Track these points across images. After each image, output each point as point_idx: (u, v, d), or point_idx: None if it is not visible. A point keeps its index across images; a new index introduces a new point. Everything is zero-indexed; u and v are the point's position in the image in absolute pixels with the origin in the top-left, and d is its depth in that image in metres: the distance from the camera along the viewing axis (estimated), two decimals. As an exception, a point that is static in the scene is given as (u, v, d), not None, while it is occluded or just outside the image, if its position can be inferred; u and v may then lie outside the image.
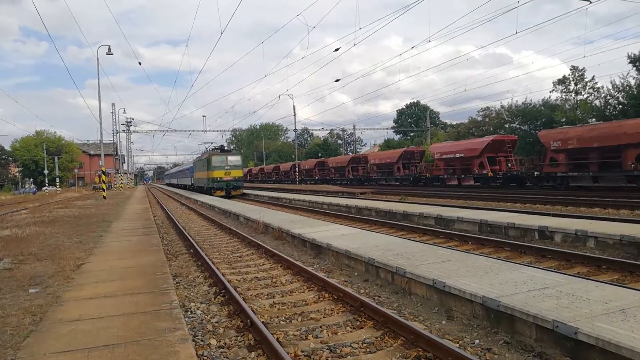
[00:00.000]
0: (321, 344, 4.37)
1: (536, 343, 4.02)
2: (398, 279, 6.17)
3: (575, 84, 46.63)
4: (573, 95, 47.11)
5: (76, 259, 7.97)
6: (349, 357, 4.11)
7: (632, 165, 19.63)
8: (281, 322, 5.10)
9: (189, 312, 5.46)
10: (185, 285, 6.93)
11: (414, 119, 78.62)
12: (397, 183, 38.74)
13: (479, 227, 10.96)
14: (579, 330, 3.61)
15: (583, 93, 46.38)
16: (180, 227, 13.96)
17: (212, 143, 43.62)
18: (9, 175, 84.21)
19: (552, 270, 6.10)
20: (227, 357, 4.21)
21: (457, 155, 30.91)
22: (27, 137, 70.77)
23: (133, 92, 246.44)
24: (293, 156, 65.09)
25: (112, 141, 59.28)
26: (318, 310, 5.45)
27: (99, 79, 30.40)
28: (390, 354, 4.11)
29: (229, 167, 30.58)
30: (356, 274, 7.21)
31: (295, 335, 4.65)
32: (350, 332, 4.73)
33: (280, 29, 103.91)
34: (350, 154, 74.06)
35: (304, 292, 6.37)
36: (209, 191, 31.74)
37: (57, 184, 60.13)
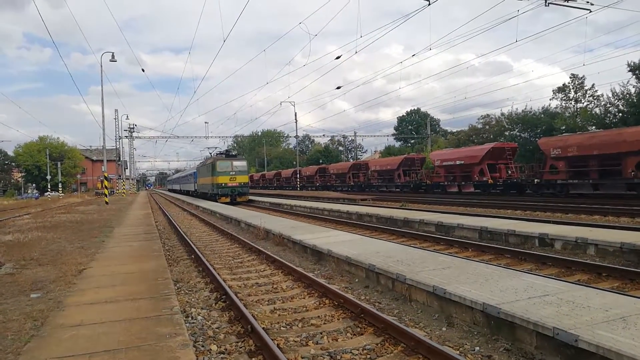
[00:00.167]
0: (322, 350, 4.38)
1: (537, 350, 4.03)
2: (398, 286, 6.18)
3: (575, 92, 46.75)
4: (573, 103, 47.23)
5: (78, 264, 7.98)
6: (349, 363, 4.11)
7: (632, 173, 19.63)
8: (282, 328, 5.11)
9: (190, 318, 5.47)
10: (187, 291, 6.94)
11: (415, 126, 78.78)
12: (397, 190, 38.75)
13: (480, 234, 10.97)
14: (579, 338, 3.62)
15: (583, 101, 46.50)
16: (182, 232, 13.98)
17: (216, 148, 42.71)
18: (12, 181, 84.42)
19: (553, 277, 6.11)
20: (227, 363, 4.21)
21: (458, 162, 30.95)
22: (30, 142, 70.95)
23: (136, 99, 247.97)
24: (294, 162, 65.12)
25: (114, 147, 59.46)
26: (319, 317, 5.46)
27: (102, 86, 30.74)
28: (391, 361, 4.11)
29: (234, 173, 29.88)
30: (357, 280, 7.21)
31: (295, 341, 4.65)
32: (351, 338, 4.74)
33: (282, 36, 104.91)
34: (351, 160, 74.14)
35: (304, 298, 6.38)
36: (213, 197, 31.10)
37: (60, 189, 60.15)
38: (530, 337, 4.09)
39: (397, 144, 76.92)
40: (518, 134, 48.55)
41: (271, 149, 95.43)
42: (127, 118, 78.32)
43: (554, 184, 23.77)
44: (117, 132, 55.78)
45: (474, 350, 4.27)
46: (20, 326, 4.67)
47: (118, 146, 58.80)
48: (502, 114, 52.24)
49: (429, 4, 15.06)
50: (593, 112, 42.82)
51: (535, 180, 25.34)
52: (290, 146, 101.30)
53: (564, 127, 40.47)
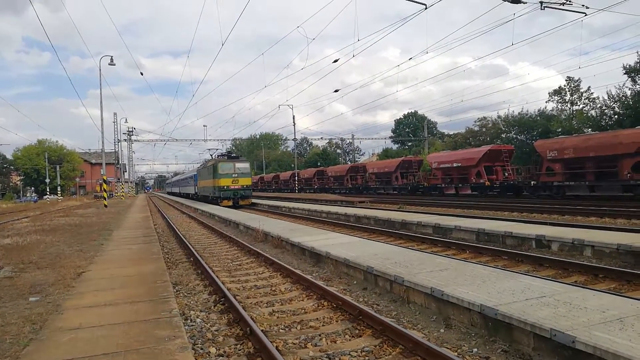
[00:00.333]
0: (320, 352, 4.40)
1: (534, 352, 4.05)
2: (396, 288, 6.20)
3: (571, 95, 47.01)
4: (569, 105, 47.48)
5: (77, 267, 7.98)
6: (348, 365, 4.13)
7: (628, 175, 19.74)
8: (280, 330, 5.12)
9: (189, 320, 5.48)
10: (185, 294, 6.95)
11: (412, 128, 78.99)
12: (395, 192, 38.82)
13: (477, 235, 11.00)
14: (576, 339, 3.64)
15: (579, 103, 46.75)
16: (181, 235, 13.97)
17: (217, 149, 40.55)
18: (11, 184, 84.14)
19: (550, 279, 6.14)
20: (226, 365, 4.22)
21: (455, 164, 31.05)
22: (29, 146, 70.74)
23: (135, 102, 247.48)
24: (292, 165, 65.14)
25: (113, 150, 59.34)
26: (317, 319, 5.48)
27: (101, 89, 30.79)
28: (389, 362, 4.13)
29: (236, 175, 28.55)
30: (355, 282, 7.23)
31: (294, 344, 4.67)
32: (349, 340, 4.75)
33: (280, 40, 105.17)
34: (349, 163, 74.28)
35: (303, 300, 6.40)
36: (214, 201, 29.74)
37: (59, 192, 59.97)
38: (528, 338, 4.11)
39: (395, 147, 77.18)
40: (514, 136, 48.78)
41: (269, 152, 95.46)
42: (126, 121, 78.41)
43: (550, 186, 23.87)
44: (116, 136, 55.71)
45: (472, 351, 4.30)
46: (18, 330, 4.66)
47: (117, 149, 58.71)
48: (499, 117, 52.56)
49: (426, 8, 15.14)
50: (589, 114, 43.08)
51: (532, 182, 25.45)
52: (289, 149, 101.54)
53: (560, 130, 40.69)
